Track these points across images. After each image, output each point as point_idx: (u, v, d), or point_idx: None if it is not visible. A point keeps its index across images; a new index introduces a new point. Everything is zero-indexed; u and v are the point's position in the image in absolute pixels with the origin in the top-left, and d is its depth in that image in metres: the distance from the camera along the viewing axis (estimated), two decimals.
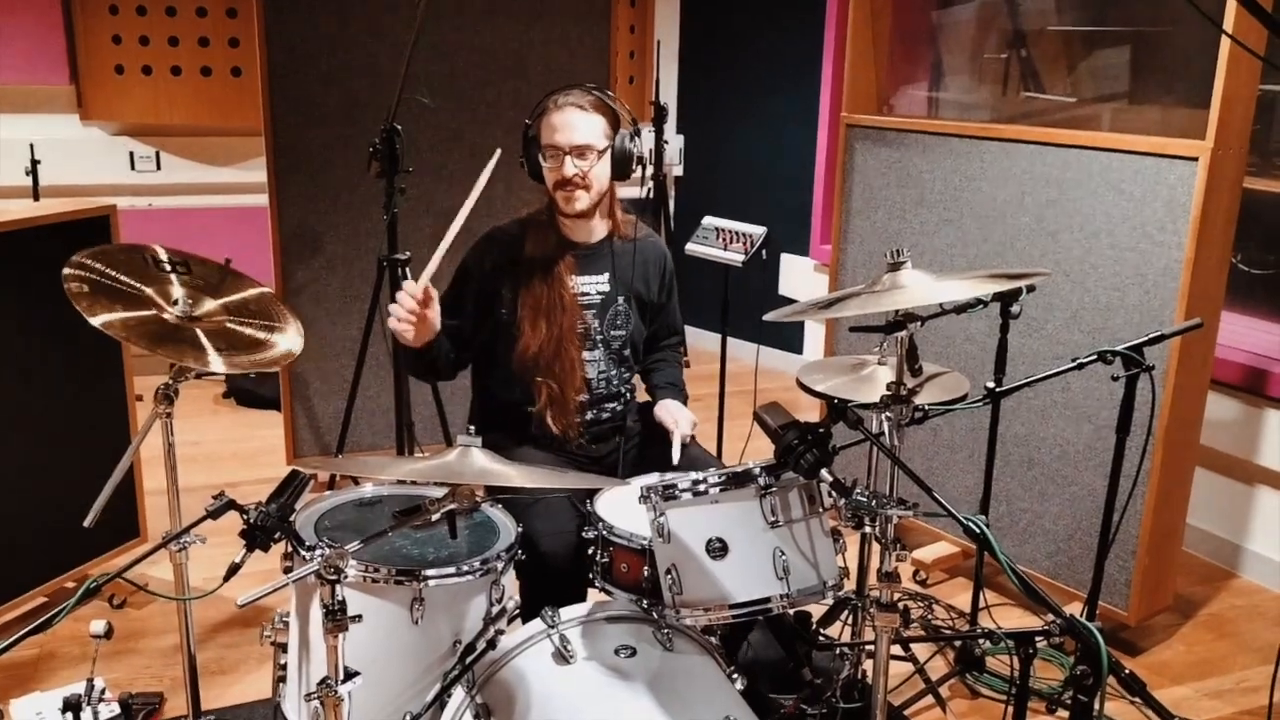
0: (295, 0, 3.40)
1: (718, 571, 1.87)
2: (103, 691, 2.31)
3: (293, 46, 3.44)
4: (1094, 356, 2.28)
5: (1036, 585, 1.60)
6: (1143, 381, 2.31)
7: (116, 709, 2.32)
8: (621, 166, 2.38)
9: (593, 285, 2.47)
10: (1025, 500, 3.09)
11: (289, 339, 2.13)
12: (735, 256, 3.15)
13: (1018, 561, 3.11)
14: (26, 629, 1.63)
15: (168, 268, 2.12)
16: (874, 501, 1.83)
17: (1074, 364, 2.28)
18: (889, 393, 2.03)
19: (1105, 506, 2.50)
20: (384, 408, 3.76)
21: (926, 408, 2.09)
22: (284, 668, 2.07)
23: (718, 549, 1.87)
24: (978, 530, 1.59)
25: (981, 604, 2.90)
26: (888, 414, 2.01)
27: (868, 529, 1.87)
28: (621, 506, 2.15)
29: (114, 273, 2.05)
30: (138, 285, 2.06)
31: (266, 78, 3.43)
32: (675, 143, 5.73)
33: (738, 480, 1.89)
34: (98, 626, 2.71)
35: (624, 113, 2.40)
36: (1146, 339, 2.30)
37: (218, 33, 4.69)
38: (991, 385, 2.50)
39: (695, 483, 1.88)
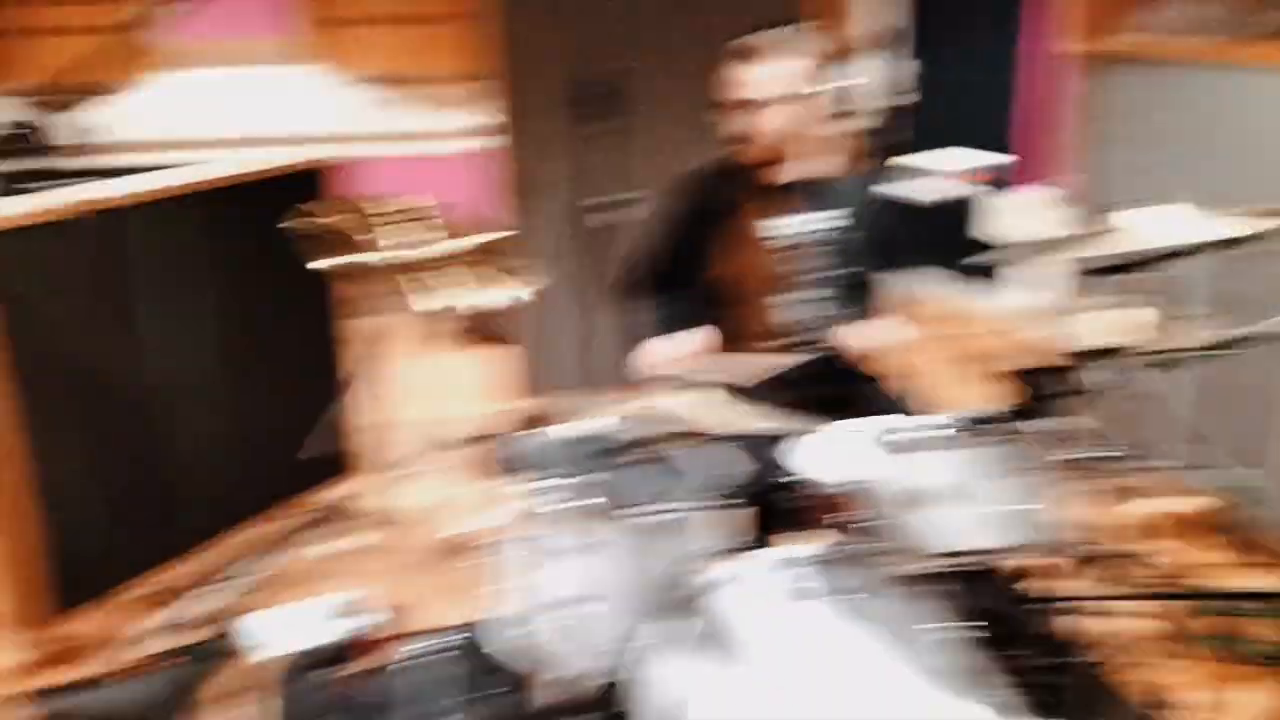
0: None
1: (944, 519, 1.81)
2: (344, 605, 2.45)
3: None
4: None
5: None
6: None
7: (359, 621, 2.44)
8: (832, 107, 2.30)
9: (803, 223, 2.40)
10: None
11: (515, 283, 2.18)
12: (965, 191, 3.00)
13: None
14: (282, 554, 1.76)
15: (401, 216, 2.20)
16: (1118, 455, 1.72)
17: None
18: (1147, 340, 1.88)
19: None
20: (588, 345, 3.79)
21: (1190, 352, 1.92)
22: (505, 591, 2.14)
23: (946, 495, 1.81)
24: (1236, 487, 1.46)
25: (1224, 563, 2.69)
26: (1144, 361, 1.87)
27: (1103, 480, 1.77)
28: (841, 447, 2.10)
29: (338, 219, 2.15)
30: (365, 232, 2.15)
31: (503, 20, 3.47)
32: (907, 69, 5.41)
33: (968, 426, 1.81)
34: (338, 545, 2.91)
35: (824, 48, 2.30)
36: None
37: None
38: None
39: (922, 427, 1.82)
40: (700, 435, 2.00)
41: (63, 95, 1.71)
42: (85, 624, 2.62)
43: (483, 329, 4.79)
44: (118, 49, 4.43)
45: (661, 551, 1.94)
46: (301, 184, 2.99)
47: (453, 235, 2.32)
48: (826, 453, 2.05)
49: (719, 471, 2.06)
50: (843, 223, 2.42)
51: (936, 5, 5.28)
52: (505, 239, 3.59)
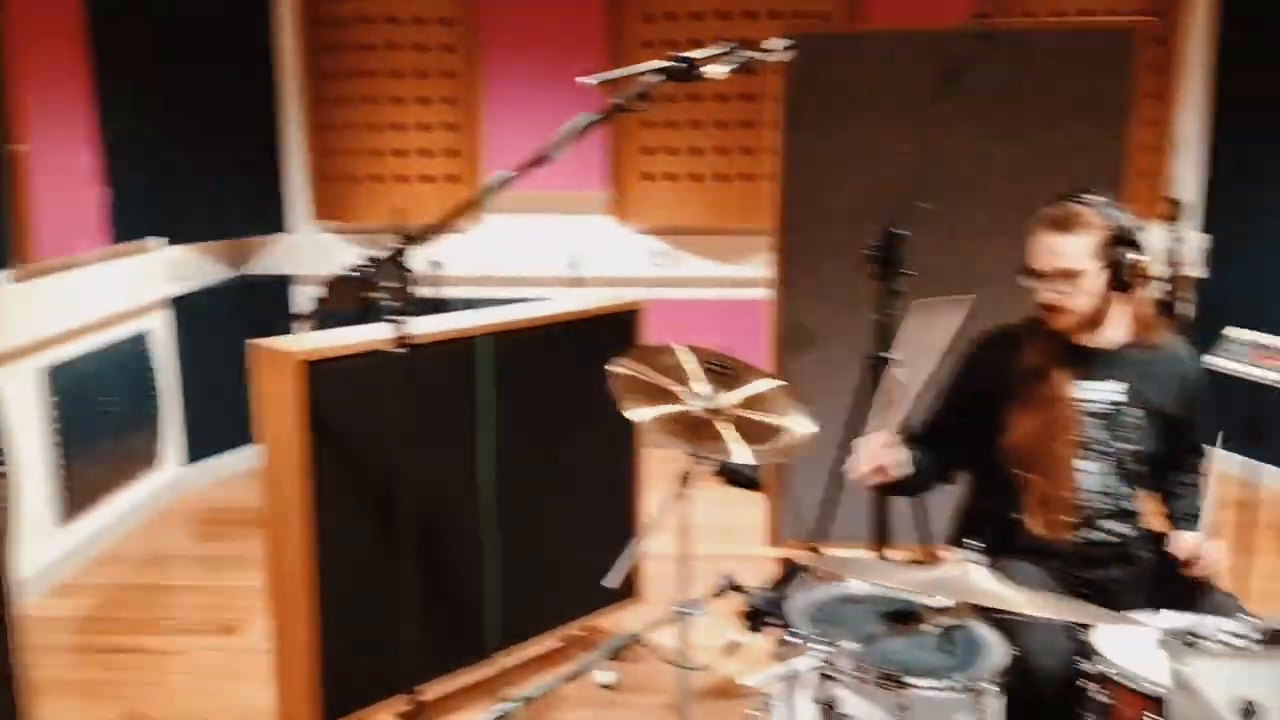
0: (811, 114, 3.63)
1: None
2: None
3: (806, 156, 3.66)
4: None
5: None
6: None
7: None
8: (1117, 282, 2.26)
9: (1100, 392, 2.34)
10: None
11: (801, 427, 2.25)
12: (1273, 375, 2.82)
13: None
14: (563, 675, 1.88)
15: (695, 365, 2.35)
16: None
17: None
18: None
19: None
20: (861, 499, 3.78)
21: None
22: None
23: (1249, 713, 1.66)
24: None
25: None
26: None
27: None
28: (1126, 644, 1.98)
29: (647, 371, 2.32)
30: (666, 381, 2.31)
31: (784, 185, 3.67)
32: (1193, 240, 5.24)
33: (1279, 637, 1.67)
34: (606, 677, 3.02)
35: (1122, 220, 2.27)
36: None
37: (734, 142, 5.12)
38: None
39: (1230, 634, 1.70)
40: (991, 611, 1.95)
41: (425, 234, 2.00)
42: None
43: (743, 470, 4.88)
44: (451, 196, 5.02)
45: None
46: (617, 324, 3.24)
47: (738, 383, 2.43)
48: (1139, 647, 1.94)
49: (1001, 653, 2.00)
50: (1148, 395, 2.34)
51: (1232, 180, 5.06)
52: (783, 388, 3.72)
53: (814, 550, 3.67)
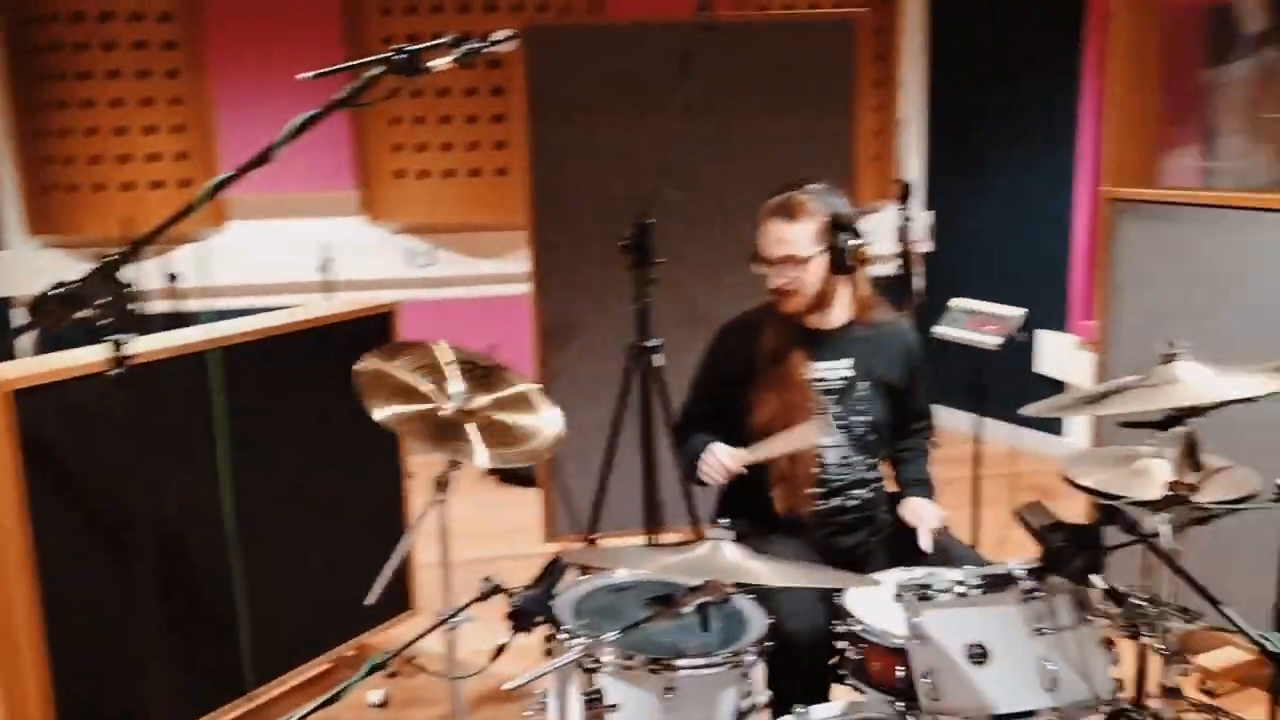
0: (556, 107, 3.64)
1: (978, 679, 1.79)
2: None
3: (555, 150, 3.66)
4: None
5: None
6: None
7: None
8: (839, 265, 2.39)
9: (832, 370, 2.47)
10: None
11: (551, 431, 2.25)
12: (990, 340, 3.06)
13: None
14: (320, 700, 1.79)
15: (447, 364, 2.30)
16: (1152, 610, 1.70)
17: None
18: (1167, 492, 1.89)
19: None
20: (633, 488, 3.85)
21: (1211, 508, 1.93)
22: None
23: (978, 655, 1.80)
24: (1274, 651, 1.45)
25: None
26: (1165, 516, 1.87)
27: (1145, 639, 1.75)
28: (873, 601, 2.10)
29: (398, 370, 2.25)
30: (419, 381, 2.25)
31: (532, 178, 3.67)
32: (923, 219, 5.64)
33: (1000, 583, 1.81)
34: (375, 696, 2.93)
35: (841, 208, 2.40)
36: None
37: (486, 137, 5.07)
38: None
39: (954, 584, 1.82)
40: (744, 586, 2.02)
41: (139, 245, 1.84)
42: None
43: (519, 471, 4.87)
44: (185, 203, 4.70)
45: (701, 708, 1.94)
46: (369, 329, 3.13)
47: (496, 382, 2.40)
48: (877, 606, 2.06)
49: (759, 624, 2.07)
50: (874, 368, 2.48)
51: (950, 159, 5.50)
52: (537, 379, 3.72)
53: (590, 543, 3.70)
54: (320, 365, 2.98)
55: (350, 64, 2.03)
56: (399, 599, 3.29)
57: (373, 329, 3.15)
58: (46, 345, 2.43)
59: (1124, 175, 3.33)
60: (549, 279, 3.77)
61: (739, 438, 2.53)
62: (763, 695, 2.06)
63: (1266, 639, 1.49)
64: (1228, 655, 3.05)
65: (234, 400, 2.75)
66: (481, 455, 2.11)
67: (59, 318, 2.02)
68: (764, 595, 2.16)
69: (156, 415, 2.50)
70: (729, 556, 1.76)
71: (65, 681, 2.46)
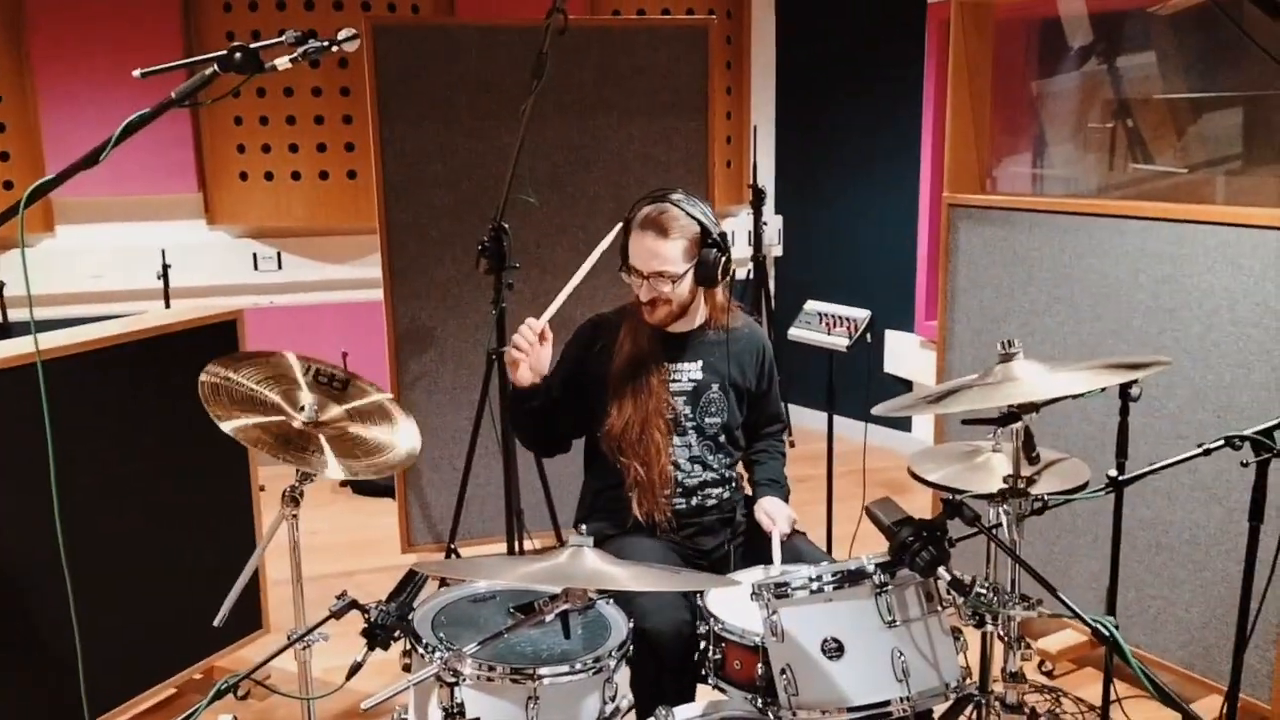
0: (407, 110, 3.57)
1: (834, 672, 1.84)
2: None
3: (405, 152, 3.60)
4: (1220, 442, 2.18)
5: (1171, 690, 1.53)
6: (1275, 464, 2.20)
7: None
8: (707, 279, 2.43)
9: (685, 373, 2.50)
10: (1155, 587, 2.96)
11: (406, 443, 2.20)
12: (839, 341, 3.14)
13: (1149, 650, 2.97)
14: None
15: (298, 374, 2.22)
16: (994, 599, 1.78)
17: (1200, 450, 2.19)
18: (1006, 485, 1.98)
19: (1241, 594, 2.38)
20: (494, 495, 3.81)
21: (1046, 498, 2.03)
22: None
23: (833, 649, 1.84)
24: (1107, 634, 1.53)
25: (1113, 697, 2.77)
26: (1005, 507, 1.96)
27: (989, 627, 1.83)
28: (734, 601, 2.13)
29: (245, 379, 2.16)
30: (266, 392, 2.16)
31: (381, 181, 3.59)
32: (774, 224, 5.77)
33: (852, 578, 1.86)
34: (226, 718, 2.80)
35: (709, 223, 2.43)
36: (1276, 423, 2.20)
37: (335, 139, 4.94)
38: (1114, 473, 2.42)
39: (809, 580, 1.86)
40: (604, 592, 2.01)
41: None
42: None
43: (376, 482, 4.76)
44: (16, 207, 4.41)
45: (564, 715, 1.93)
46: (214, 335, 2.99)
47: (347, 391, 2.33)
48: (737, 605, 2.08)
49: (620, 628, 2.07)
50: (726, 371, 2.52)
51: (800, 165, 5.66)
52: (392, 387, 3.63)
53: (449, 552, 3.64)
54: (161, 376, 2.84)
55: (187, 61, 1.94)
56: (250, 618, 3.16)
57: (216, 338, 3.02)
58: None
59: (963, 182, 3.48)
60: (403, 285, 3.69)
61: (588, 434, 2.56)
62: (626, 699, 2.07)
63: (1099, 622, 1.58)
64: (1065, 638, 3.22)
65: (65, 415, 2.58)
66: (333, 467, 2.04)
67: None
68: (625, 599, 2.17)
69: None
70: (588, 562, 1.75)
71: None
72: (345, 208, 4.97)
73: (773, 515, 2.49)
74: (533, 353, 2.38)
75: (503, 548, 3.45)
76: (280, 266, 5.03)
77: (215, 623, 2.18)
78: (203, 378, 2.11)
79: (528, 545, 3.47)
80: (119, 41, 4.59)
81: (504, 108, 3.55)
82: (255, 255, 4.99)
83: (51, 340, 2.67)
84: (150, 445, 2.86)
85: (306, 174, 4.93)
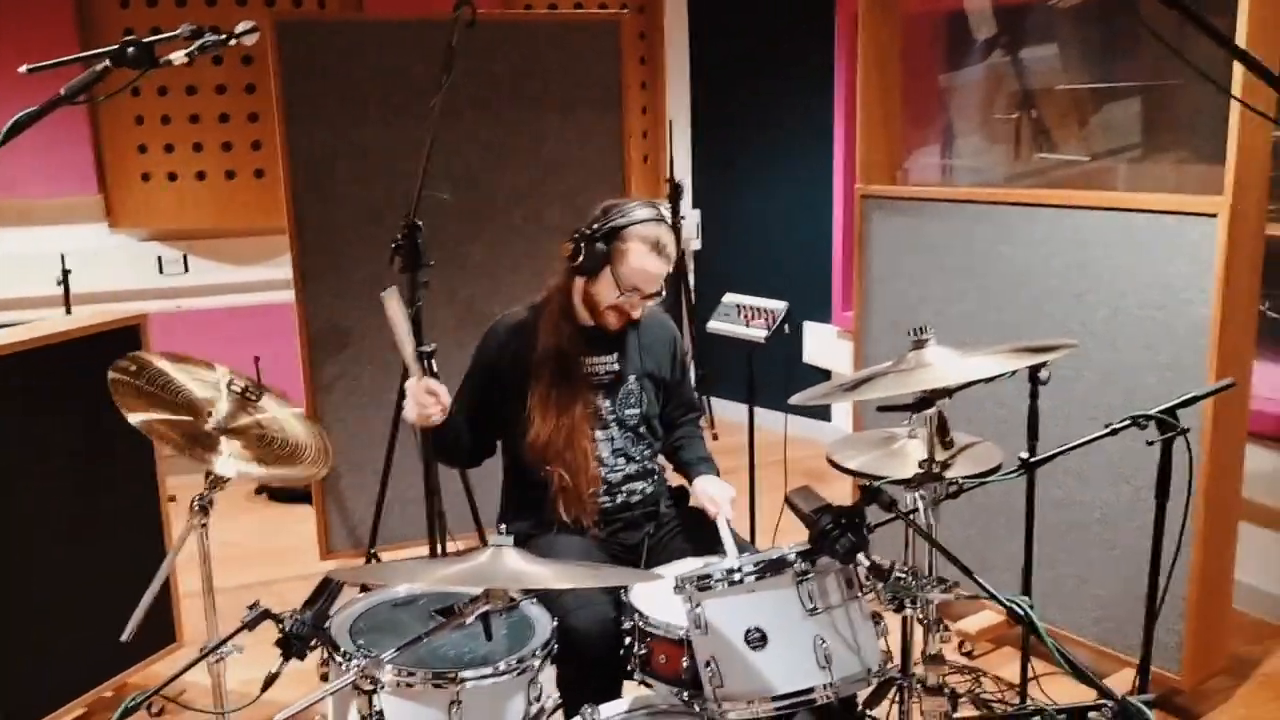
0: (314, 107, 3.49)
1: (758, 662, 1.84)
2: None
3: (313, 150, 3.52)
4: (1127, 422, 2.25)
5: (1083, 666, 1.56)
6: (1179, 442, 2.27)
7: None
8: None
9: (602, 365, 2.49)
10: (1069, 565, 3.03)
11: (316, 458, 2.16)
12: (757, 333, 3.16)
13: (1064, 627, 3.05)
14: None
15: (210, 381, 2.16)
16: (913, 583, 1.80)
17: (1107, 430, 2.25)
18: (921, 470, 2.01)
19: (1150, 569, 2.45)
20: (416, 498, 3.74)
21: (961, 482, 2.06)
22: None
23: (757, 639, 1.85)
24: (1021, 613, 1.56)
25: (1030, 675, 2.83)
26: (921, 492, 1.98)
27: (908, 610, 1.85)
28: (658, 596, 2.12)
29: (155, 379, 2.09)
30: (177, 394, 2.10)
31: (289, 180, 3.51)
32: (692, 218, 5.79)
33: (773, 568, 1.87)
34: None
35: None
36: (1178, 401, 2.27)
37: (240, 137, 4.81)
38: (1025, 455, 2.47)
39: (730, 572, 1.86)
40: (527, 591, 1.98)
41: None
42: None
43: (294, 490, 4.65)
44: None
45: (489, 716, 1.90)
46: (117, 342, 2.87)
47: (255, 395, 2.27)
48: (661, 600, 2.07)
49: (545, 627, 2.05)
50: (640, 362, 2.52)
51: (715, 158, 5.70)
52: (306, 388, 3.55)
53: (370, 558, 3.57)
54: (62, 385, 2.74)
55: (79, 56, 1.86)
56: (163, 632, 3.07)
57: (119, 343, 2.91)
58: None
59: (875, 173, 3.52)
60: (316, 285, 3.61)
61: (508, 438, 2.52)
62: (552, 699, 2.04)
63: (1014, 602, 1.60)
64: (984, 619, 3.29)
65: None
66: (236, 466, 1.98)
67: None
68: (549, 598, 2.14)
69: None
70: (510, 562, 1.72)
71: None
72: (253, 207, 4.85)
73: (715, 498, 2.47)
74: (438, 405, 2.33)
75: (425, 551, 3.40)
76: (187, 269, 4.89)
77: (123, 637, 2.10)
78: (112, 374, 2.05)
79: (451, 547, 3.42)
80: (7, 38, 4.41)
81: (415, 103, 3.48)
82: (160, 258, 4.84)
83: None
84: (53, 456, 2.76)
85: (212, 174, 4.80)
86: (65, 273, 4.37)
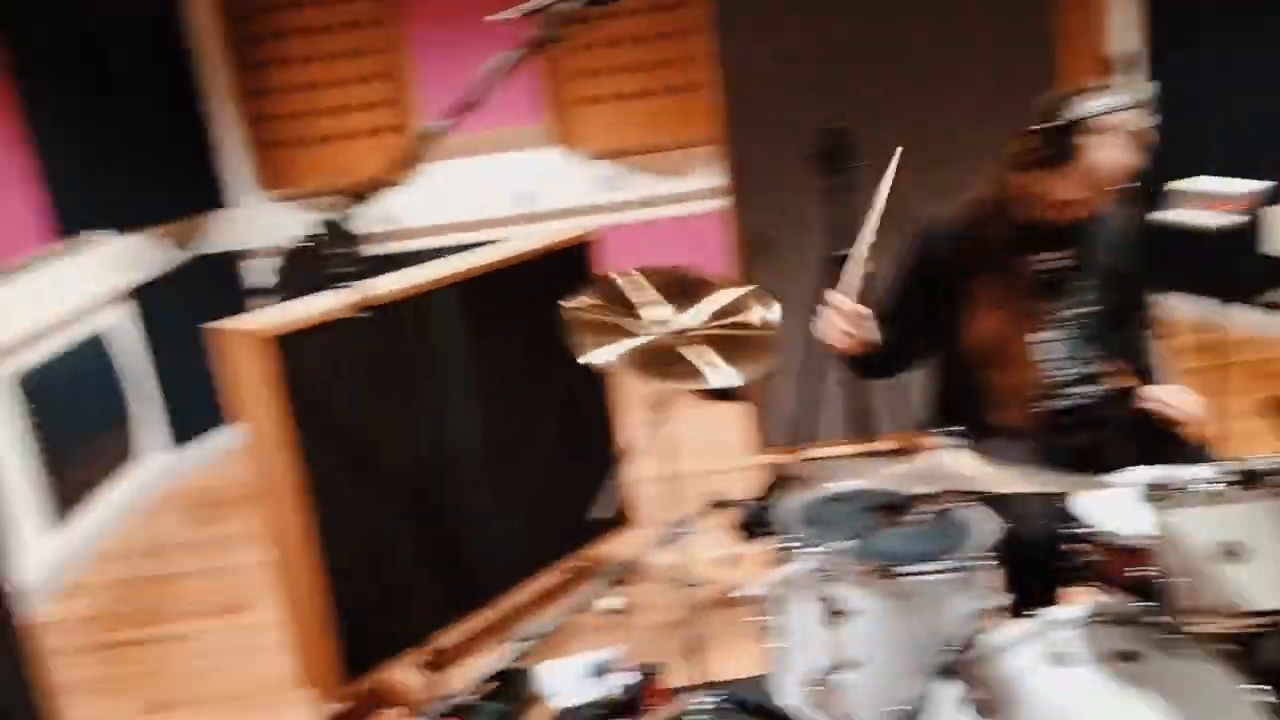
0: (743, 20, 3.57)
1: (1233, 576, 1.72)
2: (619, 659, 2.61)
3: (744, 63, 3.61)
4: None
5: None
6: None
7: (635, 675, 2.55)
8: None
9: (1053, 262, 2.37)
10: None
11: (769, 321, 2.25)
12: (1223, 219, 2.85)
13: None
14: (569, 608, 1.92)
15: (648, 290, 2.35)
16: None
17: None
18: None
19: None
20: (836, 396, 3.82)
21: None
22: (777, 650, 2.20)
23: (1232, 553, 1.73)
24: None
25: None
26: None
27: None
28: (1110, 502, 2.04)
29: (602, 306, 2.31)
30: (625, 314, 2.31)
31: (724, 93, 3.63)
32: (1143, 91, 5.21)
33: (1251, 478, 1.73)
34: (613, 602, 3.08)
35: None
36: None
37: (668, 55, 5.04)
38: None
39: (1207, 482, 1.75)
40: (973, 493, 1.99)
41: (350, 195, 1.97)
42: (375, 684, 2.87)
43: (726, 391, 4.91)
44: (394, 147, 4.95)
45: (934, 613, 1.96)
46: (570, 258, 3.22)
47: (702, 300, 2.44)
48: (1118, 505, 2.00)
49: (989, 529, 2.05)
50: (1095, 256, 2.37)
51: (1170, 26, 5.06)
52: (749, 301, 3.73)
53: (798, 454, 3.73)
54: (530, 294, 3.10)
55: (540, 3, 2.07)
56: (619, 513, 3.42)
57: (574, 257, 3.25)
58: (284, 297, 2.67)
59: None
60: (745, 192, 3.75)
61: (943, 341, 2.45)
62: (996, 600, 2.05)
63: None
64: None
65: (463, 330, 2.92)
66: (716, 373, 2.14)
67: (307, 268, 2.21)
68: (995, 501, 2.13)
69: (396, 350, 2.69)
70: (960, 464, 1.75)
71: (339, 598, 2.72)
72: (675, 123, 5.08)
73: (1176, 403, 2.31)
74: (849, 338, 2.28)
75: (851, 450, 3.49)
76: (622, 186, 5.27)
77: (595, 514, 2.39)
78: (565, 313, 2.28)
79: (877, 447, 3.48)
80: None
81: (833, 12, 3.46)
82: (598, 176, 5.25)
83: (447, 267, 3.00)
84: (524, 358, 3.15)
85: (643, 92, 5.08)
86: (523, 194, 4.89)
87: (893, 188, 2.21)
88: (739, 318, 2.38)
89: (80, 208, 4.28)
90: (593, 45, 5.05)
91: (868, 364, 2.43)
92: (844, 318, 2.27)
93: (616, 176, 5.29)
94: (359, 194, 2.13)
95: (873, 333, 2.31)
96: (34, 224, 4.10)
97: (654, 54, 5.06)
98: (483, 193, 5.21)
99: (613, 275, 2.46)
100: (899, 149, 2.21)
